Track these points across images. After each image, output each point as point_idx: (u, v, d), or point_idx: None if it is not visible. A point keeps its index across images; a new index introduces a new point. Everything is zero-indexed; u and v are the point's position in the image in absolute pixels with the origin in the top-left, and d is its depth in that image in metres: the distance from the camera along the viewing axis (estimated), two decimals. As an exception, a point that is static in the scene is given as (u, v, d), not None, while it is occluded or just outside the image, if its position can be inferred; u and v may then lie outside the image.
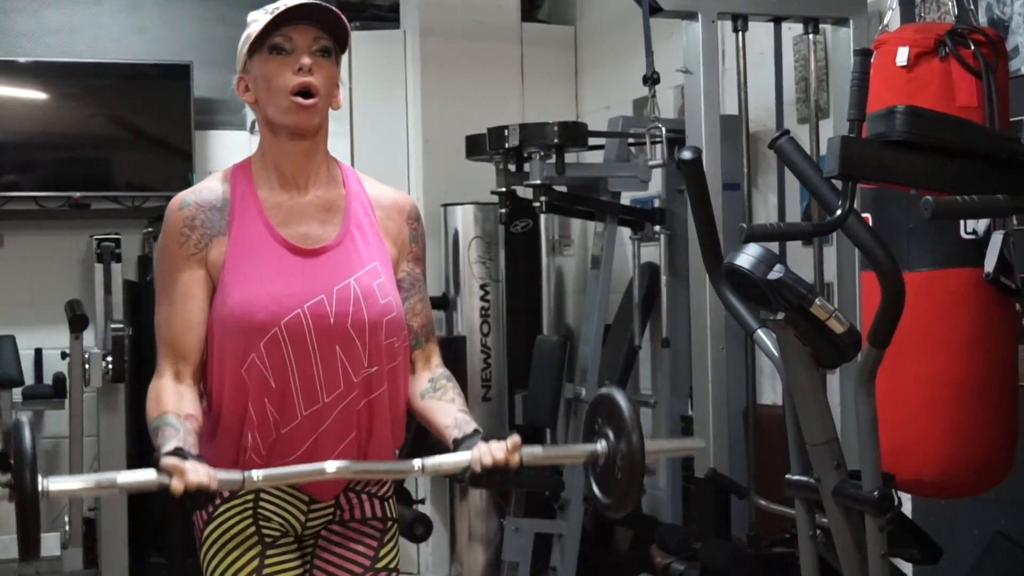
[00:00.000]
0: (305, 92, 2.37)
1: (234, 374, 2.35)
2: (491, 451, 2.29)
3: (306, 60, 2.37)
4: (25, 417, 2.13)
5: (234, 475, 2.21)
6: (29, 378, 6.38)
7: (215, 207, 2.41)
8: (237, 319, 2.34)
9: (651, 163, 4.61)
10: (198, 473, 2.15)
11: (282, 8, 2.37)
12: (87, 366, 5.96)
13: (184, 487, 2.13)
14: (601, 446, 2.36)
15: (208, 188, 2.45)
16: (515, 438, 2.30)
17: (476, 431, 2.39)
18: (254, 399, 2.35)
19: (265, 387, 2.34)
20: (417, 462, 2.29)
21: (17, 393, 6.26)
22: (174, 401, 2.33)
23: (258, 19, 2.41)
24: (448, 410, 2.46)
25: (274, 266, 2.37)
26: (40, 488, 2.05)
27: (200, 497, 2.15)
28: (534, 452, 2.34)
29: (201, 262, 2.39)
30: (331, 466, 2.25)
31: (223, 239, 2.39)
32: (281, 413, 2.36)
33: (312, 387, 2.36)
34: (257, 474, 2.22)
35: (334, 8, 2.41)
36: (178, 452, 2.19)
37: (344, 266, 2.40)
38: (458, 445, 2.36)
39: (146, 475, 2.15)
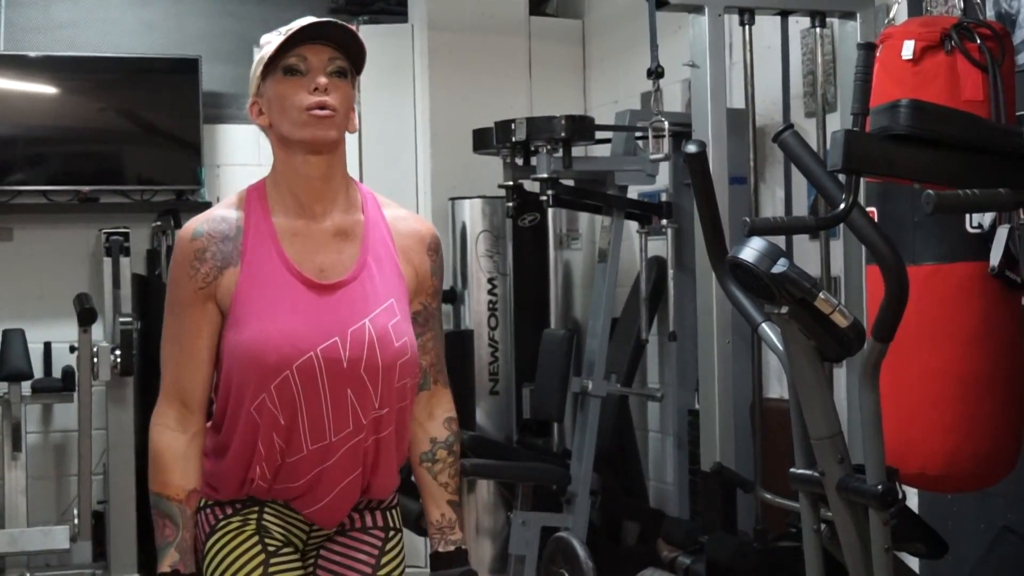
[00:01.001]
0: (321, 108, 2.33)
1: (245, 411, 2.34)
2: None
3: (322, 80, 2.33)
4: None
5: None
6: (38, 371, 6.39)
7: (228, 237, 2.37)
8: (250, 358, 2.31)
9: (653, 157, 4.61)
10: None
11: (296, 28, 2.33)
12: (96, 359, 5.98)
13: None
14: None
15: (221, 217, 2.40)
16: None
17: (459, 551, 2.50)
18: (263, 435, 2.34)
19: (274, 423, 2.33)
20: None
21: (26, 386, 6.28)
22: (178, 475, 2.36)
23: (271, 41, 2.37)
24: (438, 501, 2.52)
25: (288, 302, 2.33)
26: None
27: None
28: None
29: (209, 296, 2.36)
30: None
31: (235, 269, 2.35)
32: (288, 444, 2.35)
33: (320, 425, 2.34)
34: None
35: (350, 27, 2.38)
36: None
37: (360, 304, 2.36)
38: (436, 562, 2.51)
39: None
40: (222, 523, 2.40)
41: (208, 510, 2.41)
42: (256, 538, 2.38)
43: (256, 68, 2.39)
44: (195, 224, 2.40)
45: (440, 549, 2.47)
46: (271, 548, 2.38)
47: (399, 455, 2.47)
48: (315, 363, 2.31)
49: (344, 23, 2.38)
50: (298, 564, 2.42)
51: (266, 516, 2.41)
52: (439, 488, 2.50)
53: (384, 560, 2.47)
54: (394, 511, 2.52)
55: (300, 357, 2.30)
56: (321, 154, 2.37)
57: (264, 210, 2.39)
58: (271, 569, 2.36)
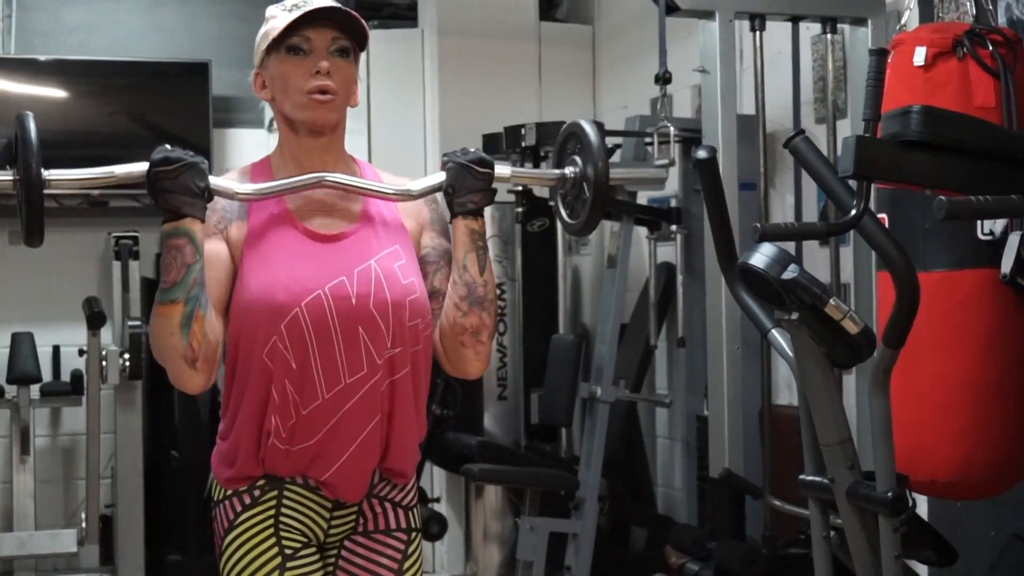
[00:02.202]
0: (322, 92, 2.39)
1: (257, 358, 2.35)
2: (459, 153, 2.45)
3: (324, 64, 2.38)
4: (29, 112, 2.27)
5: (224, 181, 2.35)
6: (47, 375, 6.39)
7: None
8: (258, 302, 2.34)
9: (658, 162, 4.61)
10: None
11: (301, 11, 2.37)
12: (104, 363, 5.98)
13: (172, 151, 2.27)
14: (569, 171, 2.55)
15: (226, 178, 2.46)
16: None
17: None
18: (276, 381, 2.34)
19: (287, 369, 2.34)
20: (410, 183, 2.46)
21: (35, 390, 6.27)
22: None
23: (276, 16, 2.42)
24: None
25: (293, 251, 2.38)
26: (43, 177, 2.23)
27: (185, 151, 2.29)
28: (503, 171, 2.48)
29: (222, 239, 2.39)
30: (318, 174, 2.40)
31: (242, 224, 2.40)
32: (301, 394, 2.35)
33: (334, 367, 2.35)
34: (250, 187, 2.36)
35: (353, 12, 2.42)
36: None
37: (364, 249, 2.40)
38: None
39: (140, 165, 2.31)
40: (240, 519, 2.39)
41: (226, 502, 2.41)
42: (273, 540, 2.38)
43: (261, 42, 2.44)
44: None
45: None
46: (288, 551, 2.38)
47: (418, 416, 2.46)
48: (324, 301, 2.34)
49: (347, 8, 2.43)
50: (317, 566, 2.42)
51: (285, 506, 2.40)
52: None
53: (407, 565, 2.47)
54: (414, 511, 2.52)
55: (308, 295, 2.34)
56: (322, 134, 2.44)
57: (268, 176, 2.46)
58: (288, 574, 2.36)
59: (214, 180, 2.30)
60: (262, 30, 2.45)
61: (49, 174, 2.24)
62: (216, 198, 2.38)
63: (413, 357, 2.42)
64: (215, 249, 2.38)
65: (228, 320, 2.40)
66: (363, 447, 2.39)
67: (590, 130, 2.49)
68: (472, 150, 2.47)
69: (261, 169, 2.48)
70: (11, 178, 2.21)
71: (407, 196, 2.46)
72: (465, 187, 2.42)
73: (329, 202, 2.44)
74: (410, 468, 2.49)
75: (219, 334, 2.36)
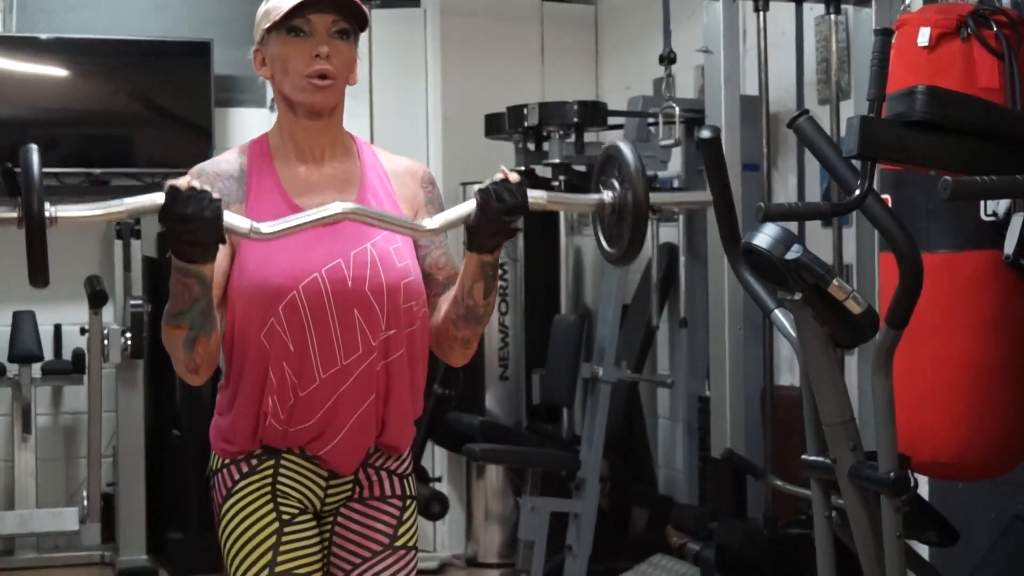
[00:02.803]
0: (322, 76, 2.39)
1: (255, 340, 2.36)
2: (495, 182, 2.32)
3: (324, 48, 2.39)
4: (34, 145, 2.18)
5: (241, 221, 2.23)
6: (48, 354, 6.40)
7: (232, 177, 2.44)
8: (255, 285, 2.35)
9: (663, 143, 4.60)
10: (204, 189, 2.19)
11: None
12: (106, 342, 5.99)
13: (186, 185, 2.18)
14: (608, 196, 2.39)
15: (225, 160, 2.48)
16: (518, 176, 2.34)
17: None
18: (274, 363, 2.36)
19: (284, 350, 2.36)
20: (427, 220, 2.34)
21: (36, 368, 6.29)
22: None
23: None
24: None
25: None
26: (48, 215, 2.13)
27: (200, 201, 2.17)
28: (539, 197, 2.34)
29: None
30: (339, 206, 2.29)
31: (240, 206, 2.40)
32: (299, 376, 2.37)
33: (330, 349, 2.37)
34: (266, 227, 2.25)
35: None
36: None
37: (361, 232, 2.41)
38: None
39: (153, 199, 2.20)
40: (238, 487, 2.41)
41: (224, 471, 2.44)
42: (271, 505, 2.40)
43: (261, 20, 2.45)
44: (200, 166, 2.47)
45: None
46: (286, 516, 2.40)
47: (414, 394, 2.47)
48: (320, 283, 2.36)
49: None
50: (313, 531, 2.44)
51: (282, 475, 2.42)
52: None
53: (401, 531, 2.49)
54: (410, 479, 2.53)
55: (305, 278, 2.35)
56: (321, 116, 2.45)
57: (266, 156, 2.46)
58: (285, 538, 2.38)
59: (228, 219, 2.22)
60: (263, 7, 2.45)
61: (54, 211, 2.17)
62: (215, 179, 2.40)
63: (409, 338, 2.43)
64: None
65: (226, 302, 2.41)
66: (359, 426, 2.41)
67: (629, 154, 2.36)
68: (512, 188, 2.32)
69: (259, 147, 2.49)
70: (15, 216, 2.15)
71: (426, 233, 2.39)
72: (489, 232, 2.35)
73: (327, 184, 2.45)
74: (405, 443, 2.51)
75: (220, 335, 2.38)
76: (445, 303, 2.48)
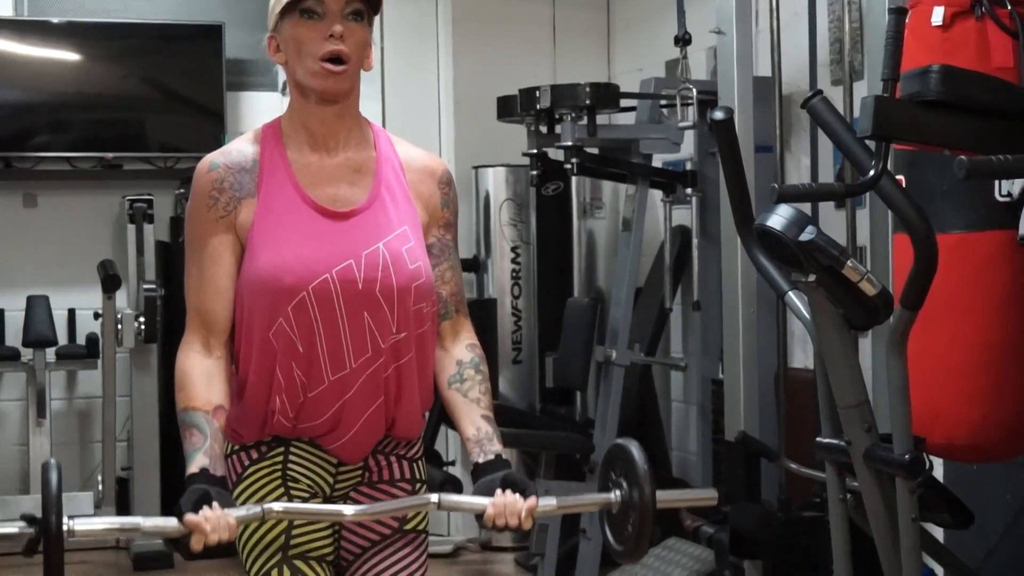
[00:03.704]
0: (336, 59, 2.36)
1: (262, 338, 2.35)
2: (506, 515, 2.30)
3: (337, 27, 2.36)
4: (54, 461, 2.17)
5: (253, 511, 2.25)
6: (62, 338, 6.42)
7: (244, 168, 2.40)
8: (265, 282, 2.33)
9: (681, 124, 4.59)
10: (217, 529, 2.18)
11: None
12: (120, 326, 6.00)
13: (204, 546, 2.19)
14: (615, 495, 2.40)
15: (237, 150, 2.44)
16: (531, 502, 2.31)
17: (499, 458, 2.40)
18: (281, 362, 2.35)
19: (292, 351, 2.34)
20: (435, 497, 2.33)
21: (51, 353, 6.30)
22: (203, 389, 2.33)
23: None
24: (472, 416, 2.45)
25: (302, 229, 2.36)
26: (65, 528, 2.12)
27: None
28: (548, 505, 2.36)
29: (229, 226, 2.38)
30: (348, 510, 2.31)
31: (252, 201, 2.38)
32: (308, 377, 2.35)
33: (339, 352, 2.35)
34: (277, 507, 2.26)
35: None
36: (203, 477, 2.24)
37: (373, 230, 2.38)
38: (478, 473, 2.38)
39: (169, 524, 2.21)
40: (248, 472, 2.41)
41: (235, 456, 2.43)
42: (281, 490, 2.39)
43: (275, 5, 2.42)
44: (211, 157, 2.44)
45: (480, 460, 2.41)
46: (297, 501, 2.39)
47: (423, 391, 2.46)
48: (331, 285, 2.34)
49: None
50: None
51: (291, 461, 2.41)
52: (471, 404, 2.46)
53: (411, 514, 2.47)
54: (420, 462, 2.52)
55: (315, 279, 2.33)
56: (335, 102, 2.41)
57: (279, 145, 2.43)
58: (296, 522, 2.37)
59: (238, 514, 2.24)
60: None
61: (72, 524, 2.14)
62: (227, 173, 2.38)
63: (418, 339, 2.42)
64: (222, 243, 2.37)
65: (236, 296, 2.40)
66: (368, 425, 2.40)
67: (636, 453, 2.38)
68: (520, 521, 2.33)
69: (272, 132, 2.45)
70: (32, 530, 2.13)
71: (434, 506, 2.36)
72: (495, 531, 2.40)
73: (340, 176, 2.42)
74: (416, 433, 2.51)
75: (229, 323, 2.39)
76: (437, 373, 2.49)
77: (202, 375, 2.35)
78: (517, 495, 2.31)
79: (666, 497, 2.40)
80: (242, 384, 2.40)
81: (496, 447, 2.43)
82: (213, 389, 2.34)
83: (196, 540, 2.18)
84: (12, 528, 2.13)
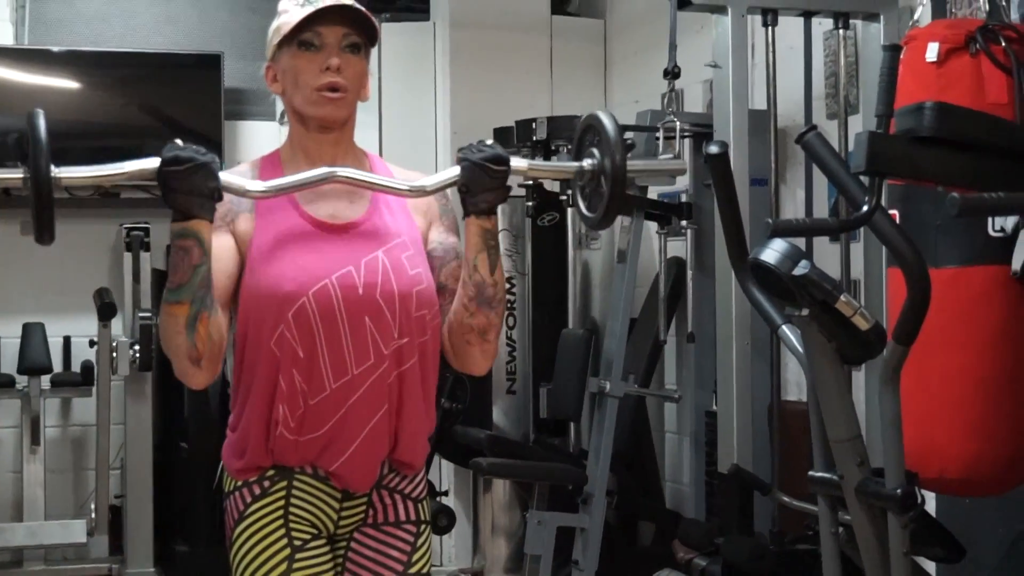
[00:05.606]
0: (333, 89, 2.40)
1: (265, 347, 2.36)
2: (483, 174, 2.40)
3: (334, 60, 2.40)
4: (40, 110, 2.26)
5: (234, 179, 2.32)
6: (58, 365, 6.42)
7: None
8: (265, 291, 2.35)
9: (662, 157, 4.60)
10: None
11: (313, 7, 2.39)
12: (115, 354, 6.00)
13: (183, 148, 2.24)
14: (587, 163, 2.52)
15: (236, 171, 2.48)
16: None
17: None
18: (284, 370, 2.35)
19: (294, 358, 2.35)
20: (421, 179, 2.45)
21: (46, 380, 6.30)
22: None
23: (289, 10, 2.43)
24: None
25: (302, 241, 2.39)
26: (52, 175, 2.21)
27: (195, 148, 2.25)
28: (519, 164, 2.48)
29: (229, 232, 2.40)
30: (325, 170, 2.36)
31: (250, 216, 2.41)
32: (309, 384, 2.36)
33: (341, 358, 2.36)
34: (260, 185, 2.34)
35: (363, 10, 2.43)
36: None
37: (372, 240, 2.42)
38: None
39: (151, 160, 2.28)
40: (250, 510, 2.41)
41: (236, 494, 2.43)
42: (283, 531, 2.39)
43: (273, 36, 2.46)
44: None
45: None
46: (298, 542, 2.39)
47: (426, 404, 2.46)
48: (331, 290, 2.36)
49: (358, 6, 2.44)
50: (326, 557, 2.43)
51: (294, 496, 2.41)
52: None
53: (415, 557, 2.48)
54: (424, 503, 2.52)
55: (316, 284, 2.35)
56: (332, 130, 2.46)
57: (278, 168, 2.47)
58: (296, 564, 2.38)
59: (224, 177, 2.29)
60: (274, 24, 2.46)
61: (58, 171, 2.22)
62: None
63: (421, 348, 2.43)
64: (221, 243, 2.39)
65: (236, 311, 2.41)
66: (372, 437, 2.40)
67: (608, 122, 2.46)
68: (488, 144, 2.44)
69: (271, 162, 2.49)
70: (21, 175, 2.21)
71: (420, 192, 2.45)
72: (480, 186, 2.40)
73: (338, 195, 2.45)
74: (419, 460, 2.50)
75: (224, 331, 2.37)
76: (456, 297, 2.47)
77: None
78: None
79: (636, 165, 2.52)
80: (244, 396, 2.41)
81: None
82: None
83: (178, 147, 2.24)
84: (17, 173, 2.23)
